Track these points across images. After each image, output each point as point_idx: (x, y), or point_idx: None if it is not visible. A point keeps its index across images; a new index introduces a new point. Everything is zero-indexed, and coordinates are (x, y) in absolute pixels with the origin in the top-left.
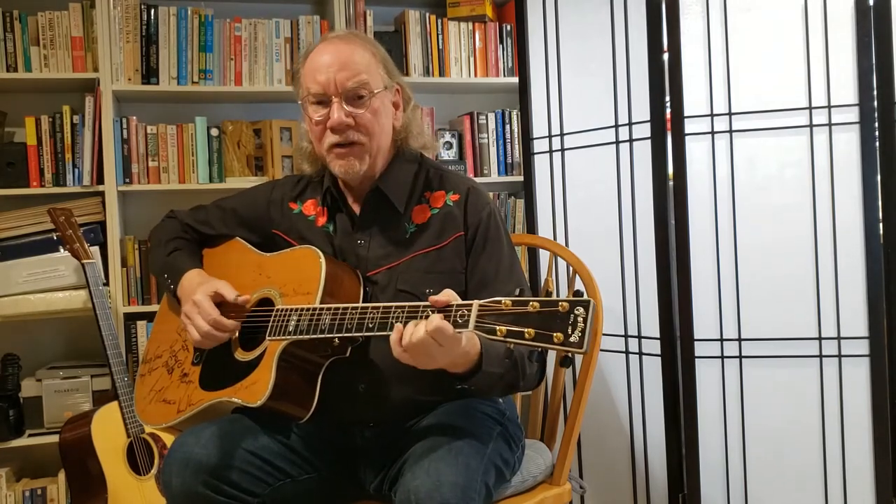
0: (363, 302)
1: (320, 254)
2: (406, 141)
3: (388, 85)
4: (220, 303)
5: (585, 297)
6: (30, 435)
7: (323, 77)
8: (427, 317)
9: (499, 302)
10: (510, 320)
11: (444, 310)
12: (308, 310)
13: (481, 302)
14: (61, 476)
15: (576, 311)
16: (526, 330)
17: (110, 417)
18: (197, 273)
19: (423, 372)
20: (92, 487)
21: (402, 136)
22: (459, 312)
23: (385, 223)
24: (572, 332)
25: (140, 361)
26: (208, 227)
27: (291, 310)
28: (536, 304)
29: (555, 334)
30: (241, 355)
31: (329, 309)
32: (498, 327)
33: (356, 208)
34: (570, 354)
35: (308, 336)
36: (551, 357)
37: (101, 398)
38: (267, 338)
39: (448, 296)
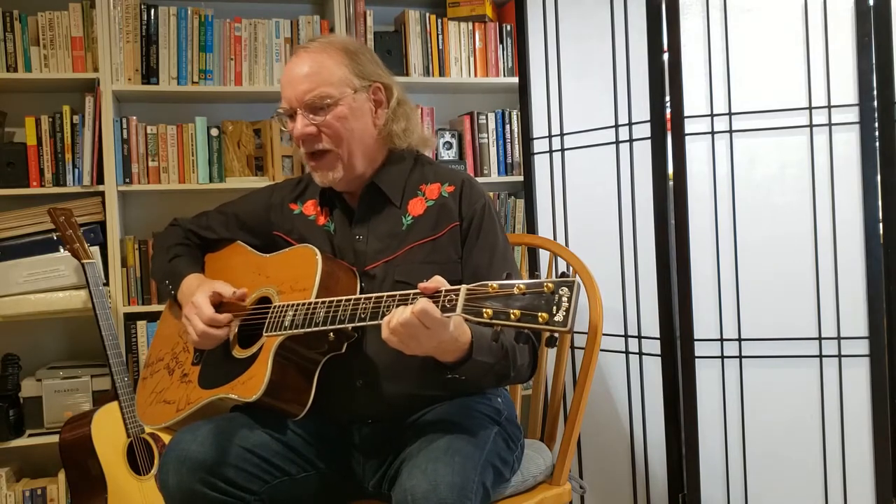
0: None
1: (316, 251)
2: (392, 139)
3: (360, 87)
4: (220, 303)
5: (570, 277)
6: (30, 435)
7: (286, 93)
8: None
9: (486, 286)
10: (497, 303)
11: (433, 295)
12: (304, 304)
13: (469, 286)
14: (61, 476)
15: (560, 292)
16: (512, 311)
17: (110, 417)
18: (196, 277)
19: (419, 367)
20: (92, 487)
21: (386, 132)
22: (448, 297)
23: (382, 217)
24: (556, 312)
25: (142, 366)
26: (210, 231)
27: (288, 306)
28: (522, 286)
29: (539, 314)
30: (238, 353)
31: (324, 303)
32: (485, 310)
33: (353, 205)
34: (554, 334)
35: (304, 330)
36: (551, 357)
37: (101, 398)
38: (264, 334)
39: (437, 282)
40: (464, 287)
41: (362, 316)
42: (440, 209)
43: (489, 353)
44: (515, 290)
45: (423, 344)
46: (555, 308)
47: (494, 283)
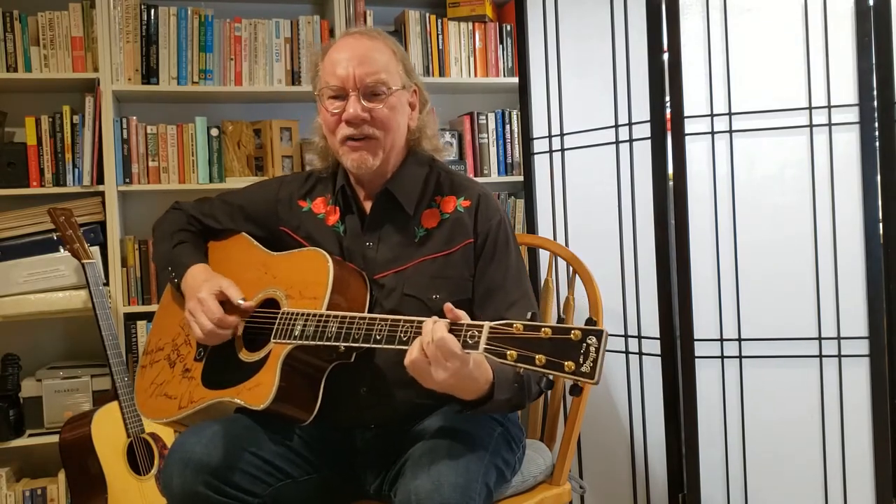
0: (369, 305)
1: (328, 257)
2: (419, 142)
3: (406, 84)
4: (224, 301)
5: (597, 326)
6: (30, 435)
7: (342, 71)
8: None
9: (510, 325)
10: (521, 345)
11: (455, 325)
12: (314, 315)
13: (492, 324)
14: (61, 476)
15: (588, 341)
16: (537, 356)
17: (110, 417)
18: (202, 269)
19: None
20: (92, 487)
21: (415, 136)
22: (470, 333)
23: (394, 225)
24: (584, 362)
25: (141, 352)
26: (213, 220)
27: (298, 314)
28: (548, 330)
29: (566, 363)
30: (245, 355)
31: (336, 317)
32: (508, 351)
33: (367, 209)
34: (579, 384)
35: (314, 342)
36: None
37: (101, 398)
38: (272, 340)
39: (460, 314)
40: (487, 324)
41: (377, 338)
42: (454, 224)
43: (509, 390)
44: (542, 334)
45: (431, 375)
46: (582, 358)
47: (519, 324)
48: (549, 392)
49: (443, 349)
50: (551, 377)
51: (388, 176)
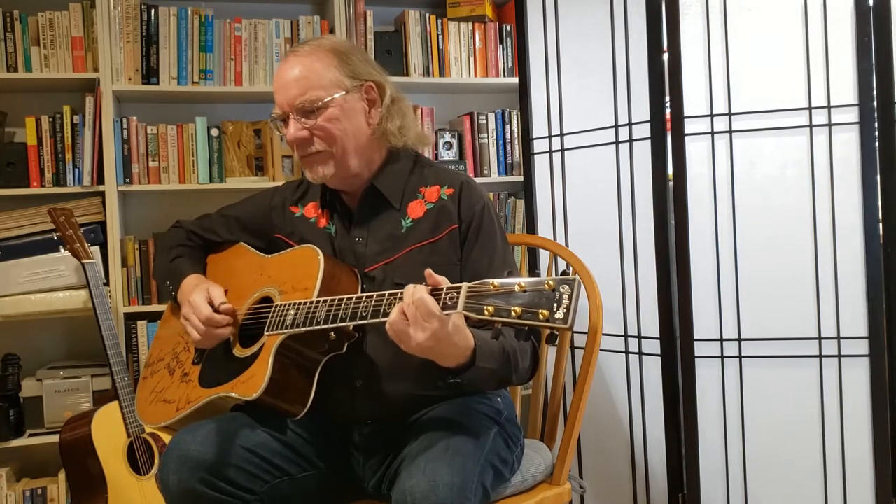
0: None
1: (318, 251)
2: (386, 138)
3: (352, 87)
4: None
5: (571, 276)
6: (30, 435)
7: (278, 98)
8: None
9: (487, 283)
10: (498, 300)
11: (435, 290)
12: (305, 303)
13: (470, 284)
14: (61, 476)
15: (561, 289)
16: (513, 308)
17: (110, 417)
18: (195, 277)
19: (419, 367)
20: (92, 487)
21: (380, 132)
22: (449, 295)
23: (381, 219)
24: (557, 309)
25: (142, 366)
26: (213, 234)
27: (289, 305)
28: (523, 284)
29: (540, 311)
30: (239, 352)
31: (325, 301)
32: (486, 307)
33: (352, 207)
34: (554, 332)
35: (305, 328)
36: (551, 357)
37: (101, 398)
38: (265, 333)
39: (440, 280)
40: (465, 284)
41: (363, 314)
42: (439, 212)
43: (492, 360)
44: (517, 288)
45: (416, 335)
46: (555, 305)
47: (496, 281)
48: (550, 392)
49: (421, 309)
50: (528, 329)
51: (365, 175)
